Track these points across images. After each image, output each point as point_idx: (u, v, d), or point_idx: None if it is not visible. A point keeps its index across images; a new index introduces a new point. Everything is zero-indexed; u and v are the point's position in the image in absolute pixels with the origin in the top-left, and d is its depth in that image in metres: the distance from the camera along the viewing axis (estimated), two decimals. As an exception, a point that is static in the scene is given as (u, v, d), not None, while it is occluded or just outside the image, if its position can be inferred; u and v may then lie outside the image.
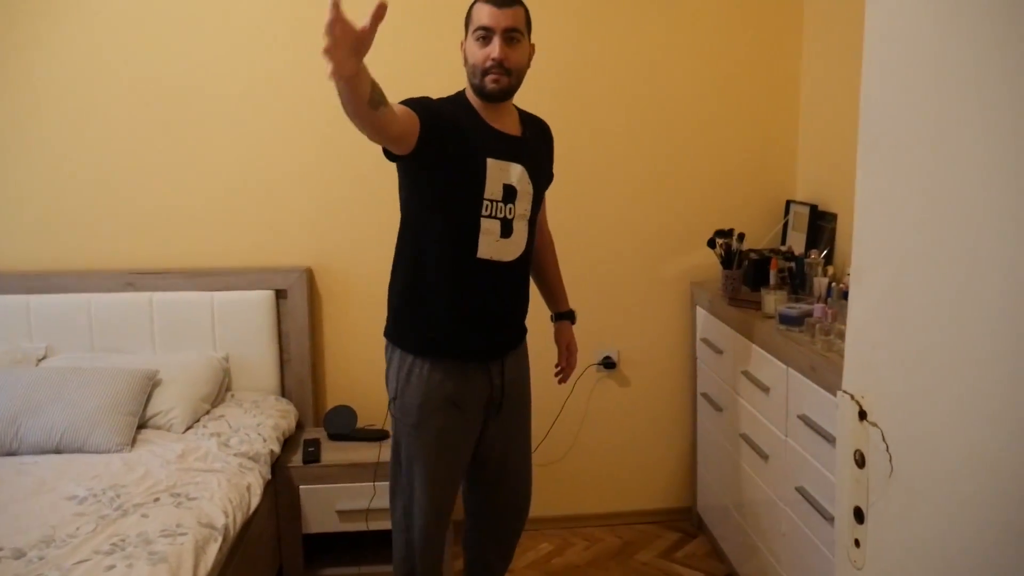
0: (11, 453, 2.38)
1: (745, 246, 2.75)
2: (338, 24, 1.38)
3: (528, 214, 2.04)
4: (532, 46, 2.01)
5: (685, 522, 3.17)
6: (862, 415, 1.08)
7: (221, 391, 2.78)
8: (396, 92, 1.85)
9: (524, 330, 2.21)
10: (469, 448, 2.15)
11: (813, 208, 2.79)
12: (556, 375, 2.40)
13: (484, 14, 1.91)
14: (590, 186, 2.98)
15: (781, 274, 2.56)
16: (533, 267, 2.30)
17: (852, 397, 1.10)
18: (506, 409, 2.15)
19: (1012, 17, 0.83)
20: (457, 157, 1.92)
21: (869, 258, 1.08)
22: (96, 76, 2.81)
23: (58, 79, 2.80)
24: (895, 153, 1.03)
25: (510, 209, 1.99)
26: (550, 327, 2.39)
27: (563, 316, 2.39)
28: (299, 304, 2.89)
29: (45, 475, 2.22)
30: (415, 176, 1.98)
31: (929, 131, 0.96)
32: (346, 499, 2.62)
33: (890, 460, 1.03)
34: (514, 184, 1.98)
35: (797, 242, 2.83)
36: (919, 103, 0.98)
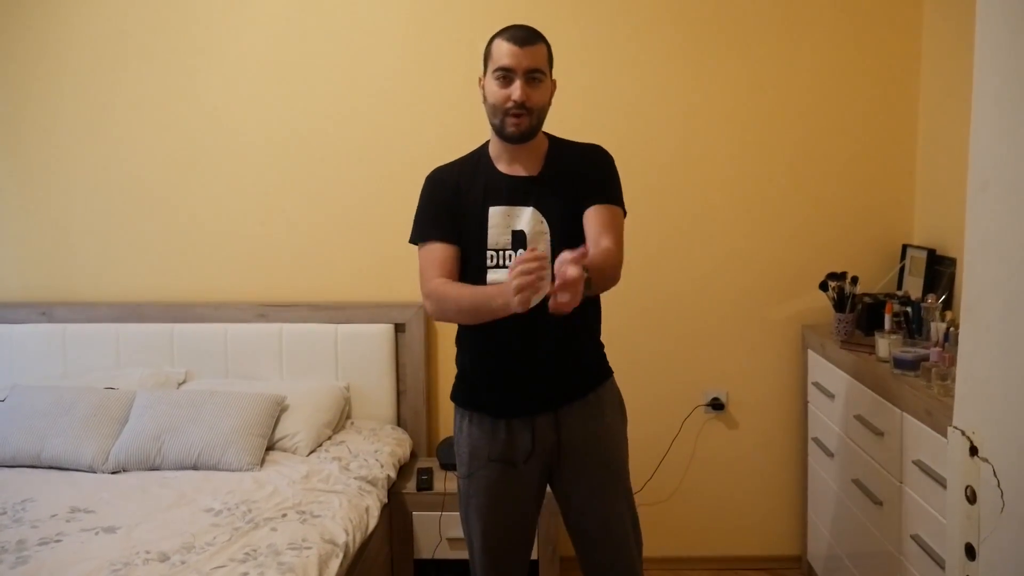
0: (155, 468, 2.59)
1: (859, 290, 2.73)
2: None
3: (549, 256, 1.81)
4: (554, 82, 1.95)
5: (794, 571, 3.11)
6: (973, 451, 1.09)
7: (342, 418, 2.94)
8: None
9: (585, 382, 2.00)
10: (527, 505, 2.03)
11: (931, 252, 2.74)
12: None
13: (504, 53, 1.85)
14: (701, 225, 3.02)
15: (896, 318, 2.53)
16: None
17: (963, 433, 1.11)
18: (571, 466, 1.98)
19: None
20: (464, 216, 1.93)
21: (980, 292, 1.10)
22: (237, 126, 3.07)
23: (204, 130, 3.08)
24: (1006, 190, 1.06)
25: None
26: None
27: None
28: (416, 338, 3.03)
29: (185, 489, 2.41)
30: None
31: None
32: (456, 527, 2.70)
33: (1002, 496, 1.04)
34: (523, 228, 1.90)
35: (914, 287, 2.78)
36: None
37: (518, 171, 1.94)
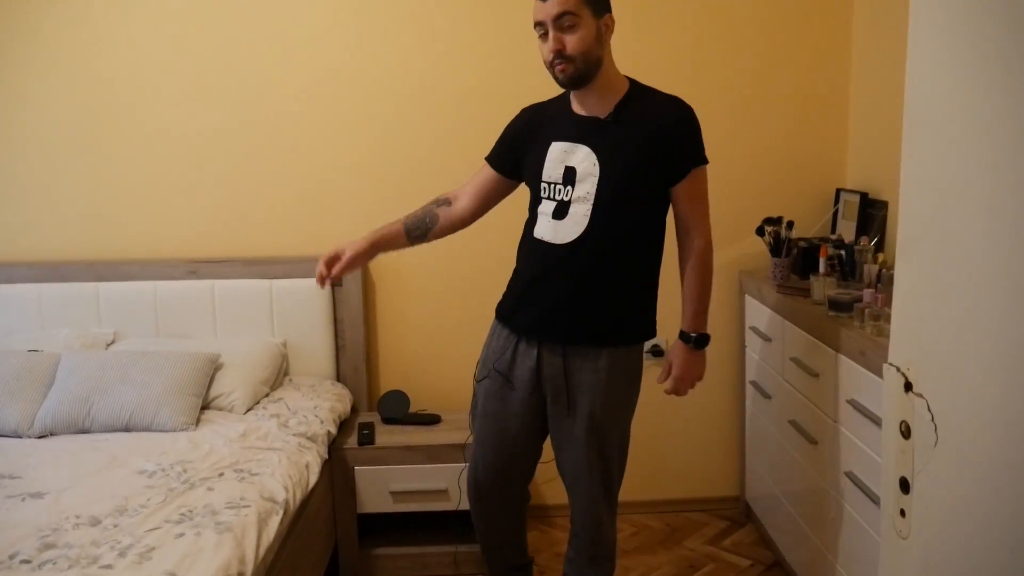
0: (84, 431, 2.50)
1: (794, 234, 2.75)
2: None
3: (592, 198, 1.96)
4: (603, 20, 1.92)
5: (733, 510, 3.18)
6: (908, 387, 1.11)
7: (279, 375, 2.88)
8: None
9: (596, 335, 2.04)
10: (520, 428, 2.14)
11: (863, 196, 2.78)
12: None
13: (534, 10, 1.91)
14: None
15: (830, 261, 2.56)
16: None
17: (898, 369, 1.12)
18: (567, 409, 2.07)
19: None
20: (532, 148, 2.08)
21: (915, 232, 1.11)
22: (164, 73, 2.93)
23: (127, 75, 2.93)
24: (941, 128, 1.05)
25: (567, 191, 2.00)
26: None
27: (682, 335, 2.14)
28: (354, 292, 2.97)
29: (116, 451, 2.34)
30: None
31: (975, 106, 0.98)
32: (399, 481, 2.69)
33: (935, 430, 1.05)
34: (575, 166, 1.99)
35: (847, 230, 2.82)
36: (965, 79, 1.00)
37: (588, 111, 2.02)
